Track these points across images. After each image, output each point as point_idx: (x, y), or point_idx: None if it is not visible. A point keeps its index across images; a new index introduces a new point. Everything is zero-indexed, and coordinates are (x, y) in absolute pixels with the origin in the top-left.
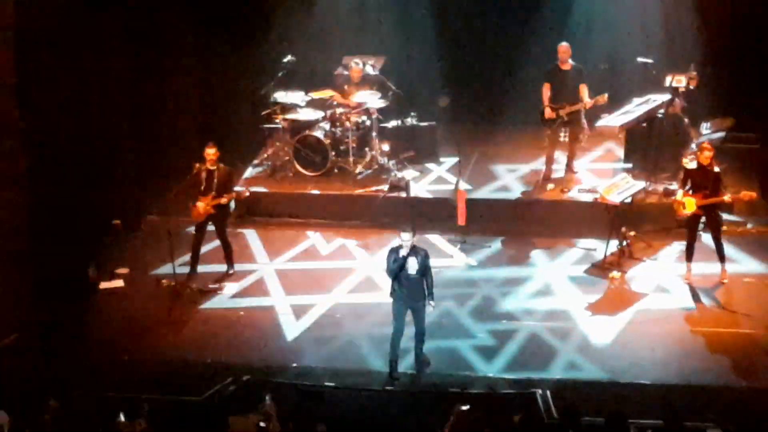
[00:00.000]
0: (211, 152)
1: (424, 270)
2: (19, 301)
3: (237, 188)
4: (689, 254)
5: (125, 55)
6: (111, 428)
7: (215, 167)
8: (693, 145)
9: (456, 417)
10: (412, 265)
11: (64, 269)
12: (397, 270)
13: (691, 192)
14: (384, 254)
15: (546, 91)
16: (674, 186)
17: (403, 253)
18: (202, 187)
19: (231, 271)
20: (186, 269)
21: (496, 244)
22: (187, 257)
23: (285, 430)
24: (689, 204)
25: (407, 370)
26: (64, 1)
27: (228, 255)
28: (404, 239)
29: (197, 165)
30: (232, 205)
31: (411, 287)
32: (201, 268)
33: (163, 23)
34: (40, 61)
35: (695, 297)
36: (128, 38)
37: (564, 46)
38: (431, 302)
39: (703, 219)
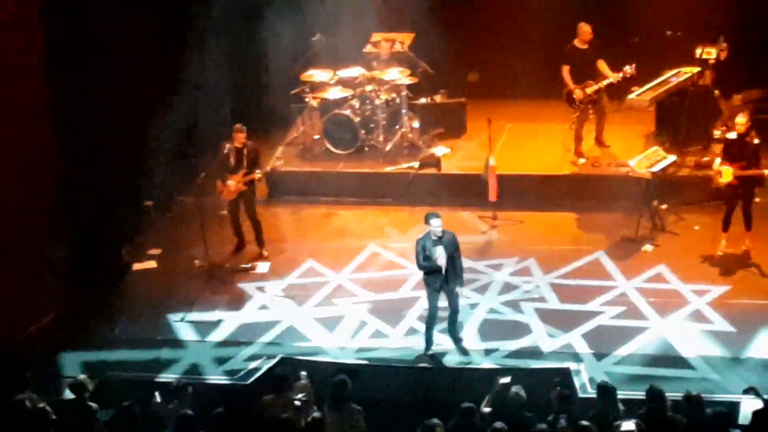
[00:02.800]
0: (241, 135)
1: (453, 254)
2: (53, 283)
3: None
4: (725, 224)
5: (155, 35)
6: (147, 409)
7: (243, 145)
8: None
9: (498, 389)
10: (441, 252)
11: (98, 251)
12: (426, 265)
13: (728, 162)
14: (415, 232)
15: (566, 73)
16: (705, 159)
17: (430, 244)
18: (232, 165)
19: (265, 253)
20: (220, 249)
21: (528, 220)
22: (220, 237)
23: (320, 408)
24: (726, 173)
25: (440, 347)
26: None
27: (258, 234)
28: (434, 226)
29: (226, 144)
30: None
31: (440, 273)
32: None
33: (192, 3)
34: (69, 44)
35: (731, 269)
36: (157, 18)
37: (585, 25)
38: (460, 287)
39: None
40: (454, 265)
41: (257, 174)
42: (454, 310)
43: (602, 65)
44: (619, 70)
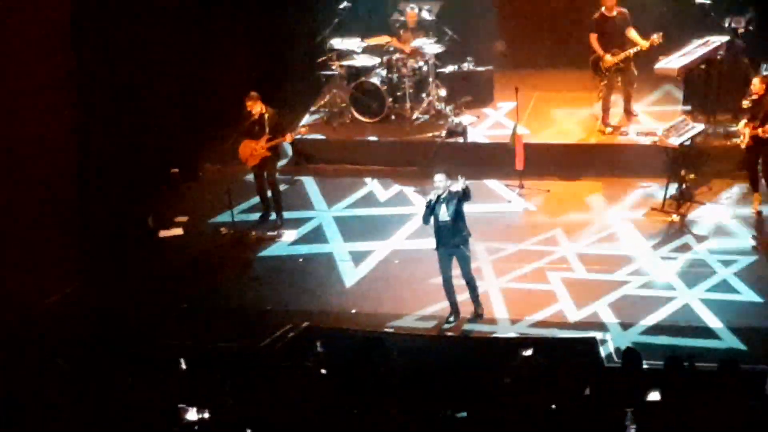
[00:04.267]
0: (251, 103)
1: (457, 213)
2: (79, 250)
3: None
4: (753, 184)
5: (180, 1)
6: (173, 376)
7: (263, 110)
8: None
9: (520, 362)
10: (444, 212)
11: (124, 219)
12: (426, 217)
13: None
14: None
15: (595, 41)
16: (734, 128)
17: (432, 198)
18: (255, 132)
19: (279, 222)
20: (246, 216)
21: (555, 189)
22: (245, 205)
23: (341, 376)
24: (745, 135)
25: (466, 316)
26: None
27: (278, 202)
28: (436, 181)
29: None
30: (289, 152)
31: (445, 233)
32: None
33: None
34: (94, 11)
35: (759, 239)
36: None
37: None
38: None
39: None
40: (459, 227)
41: (288, 136)
42: (466, 279)
43: (632, 33)
44: (648, 38)
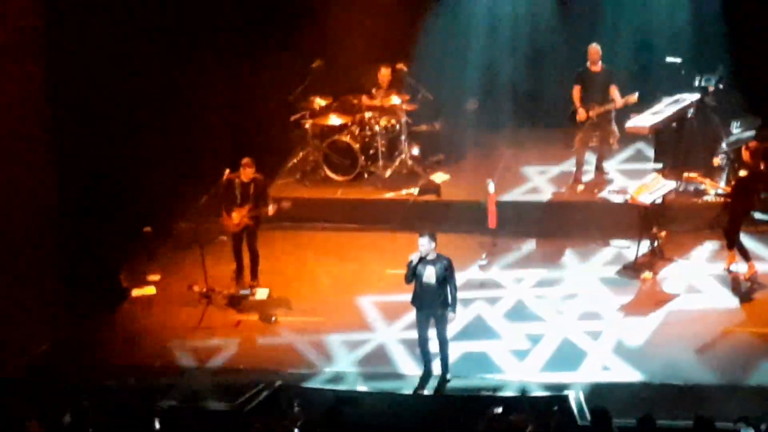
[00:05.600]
0: (249, 171)
1: (444, 279)
2: (50, 309)
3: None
4: (729, 243)
5: (155, 58)
6: None
7: (250, 179)
8: (723, 145)
9: (489, 420)
10: (430, 274)
11: (96, 277)
12: (409, 277)
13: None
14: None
15: (576, 93)
16: (704, 187)
17: (415, 259)
18: (238, 200)
19: (255, 281)
20: (220, 274)
21: (527, 247)
22: (219, 267)
23: None
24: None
25: (438, 373)
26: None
27: (254, 266)
28: (420, 244)
29: (228, 171)
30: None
31: (427, 296)
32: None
33: (195, 26)
34: (70, 61)
35: (728, 297)
36: (159, 40)
37: (594, 47)
38: (452, 313)
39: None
40: (443, 291)
41: (270, 209)
42: (440, 339)
43: (615, 92)
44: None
